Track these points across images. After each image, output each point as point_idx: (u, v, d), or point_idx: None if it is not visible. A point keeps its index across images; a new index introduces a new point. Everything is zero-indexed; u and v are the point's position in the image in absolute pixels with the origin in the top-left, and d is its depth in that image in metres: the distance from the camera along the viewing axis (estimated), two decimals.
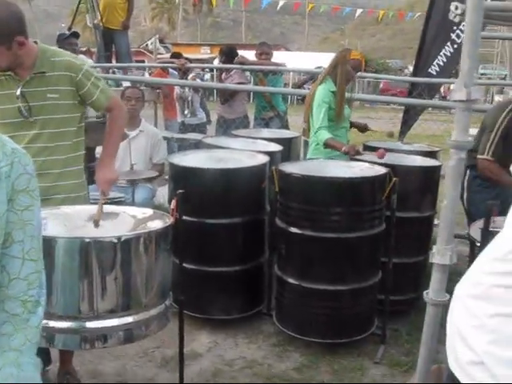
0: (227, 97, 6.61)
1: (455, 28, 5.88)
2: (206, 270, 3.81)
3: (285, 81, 17.32)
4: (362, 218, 3.41)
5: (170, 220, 2.41)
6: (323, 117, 4.20)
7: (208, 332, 3.89)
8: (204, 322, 3.94)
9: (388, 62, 35.70)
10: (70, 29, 7.45)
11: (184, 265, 3.84)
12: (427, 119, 9.09)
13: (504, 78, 25.53)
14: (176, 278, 3.87)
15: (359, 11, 23.86)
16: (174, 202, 2.47)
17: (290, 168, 3.64)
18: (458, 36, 5.86)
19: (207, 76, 23.39)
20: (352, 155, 4.15)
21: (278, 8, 21.72)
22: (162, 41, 34.90)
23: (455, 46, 5.94)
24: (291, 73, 18.80)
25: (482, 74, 24.11)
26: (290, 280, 3.62)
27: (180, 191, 2.52)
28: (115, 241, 2.17)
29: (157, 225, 2.40)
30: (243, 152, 4.15)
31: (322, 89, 4.28)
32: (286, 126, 6.59)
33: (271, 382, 3.35)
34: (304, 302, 3.61)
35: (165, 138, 6.32)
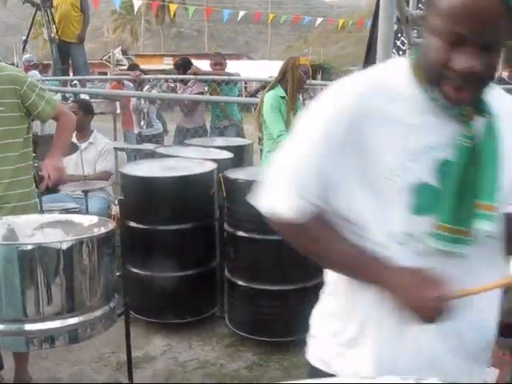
0: (190, 107, 6.75)
1: (400, 35, 6.09)
2: (159, 276, 3.93)
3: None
4: None
5: (112, 225, 2.53)
6: (277, 123, 4.31)
7: (163, 336, 4.00)
8: (159, 327, 4.05)
9: (351, 68, 36.24)
10: (25, 42, 7.51)
11: (137, 271, 3.98)
12: None
13: None
14: (127, 283, 4.02)
15: (319, 20, 24.21)
16: (115, 208, 2.58)
17: (237, 174, 3.79)
18: (403, 43, 6.07)
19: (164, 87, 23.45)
20: None
21: (239, 19, 21.91)
22: (125, 52, 34.84)
23: (400, 52, 6.17)
24: (254, 82, 19.04)
25: None
26: (240, 282, 3.76)
27: (121, 197, 2.64)
28: (58, 246, 2.28)
29: (100, 230, 2.51)
30: (193, 160, 4.28)
31: (270, 95, 4.42)
32: (241, 135, 6.74)
33: (222, 381, 3.48)
34: (254, 302, 3.75)
35: (121, 149, 6.44)
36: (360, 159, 1.27)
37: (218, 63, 6.92)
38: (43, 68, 12.77)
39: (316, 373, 1.52)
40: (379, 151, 1.26)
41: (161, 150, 5.02)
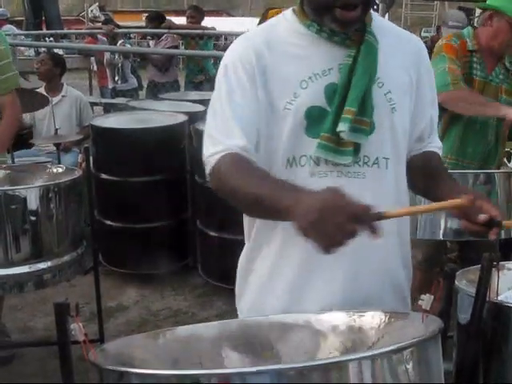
0: (163, 63, 6.68)
1: None
2: (131, 227, 3.99)
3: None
4: None
5: (78, 173, 2.56)
6: None
7: (136, 286, 4.07)
8: (133, 278, 4.12)
9: None
10: None
11: (110, 223, 4.02)
12: None
13: None
14: (100, 235, 4.07)
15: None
16: (81, 156, 2.61)
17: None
18: None
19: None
20: None
21: None
22: (102, 8, 34.06)
23: (375, 7, 6.18)
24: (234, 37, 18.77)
25: (424, 37, 24.64)
26: (212, 233, 3.83)
27: (86, 146, 2.67)
28: (24, 192, 2.31)
29: (66, 178, 2.54)
30: (164, 113, 4.29)
31: None
32: None
33: None
34: (225, 252, 3.82)
35: (96, 104, 6.39)
36: (267, 97, 1.40)
37: (192, 16, 6.84)
38: (18, 25, 12.50)
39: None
40: (279, 88, 1.40)
41: (133, 103, 5.01)
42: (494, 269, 1.29)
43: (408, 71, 1.47)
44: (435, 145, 1.60)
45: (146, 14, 7.49)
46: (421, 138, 1.56)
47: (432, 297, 1.28)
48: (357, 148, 1.40)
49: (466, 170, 2.64)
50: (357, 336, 1.35)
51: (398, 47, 1.48)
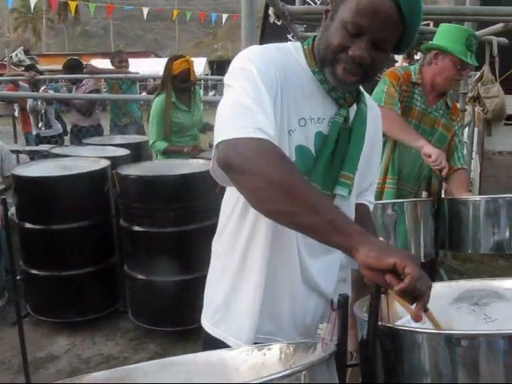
0: (89, 107, 6.68)
1: (290, 29, 6.31)
2: (58, 275, 3.94)
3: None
4: (198, 211, 3.68)
5: None
6: (156, 131, 4.42)
7: (67, 335, 4.01)
8: (63, 326, 4.06)
9: None
10: None
11: (36, 272, 3.97)
12: None
13: None
14: (28, 285, 4.01)
15: (225, 16, 24.22)
16: None
17: (129, 170, 3.85)
18: (294, 36, 6.31)
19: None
20: (195, 154, 4.43)
21: (145, 16, 21.63)
22: (27, 52, 33.59)
23: None
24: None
25: None
26: (139, 276, 3.84)
27: (3, 197, 2.66)
28: None
29: None
30: (87, 159, 4.31)
31: (156, 101, 4.48)
32: (142, 132, 6.75)
33: None
34: (154, 295, 3.84)
35: (19, 152, 6.31)
36: (281, 106, 1.45)
37: (117, 60, 6.88)
38: None
39: (207, 338, 1.66)
40: (286, 107, 1.46)
41: (56, 150, 4.99)
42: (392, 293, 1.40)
43: (370, 135, 1.62)
44: (368, 199, 1.77)
45: (74, 58, 7.42)
46: (361, 193, 1.73)
47: (329, 325, 1.36)
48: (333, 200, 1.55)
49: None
50: (264, 370, 1.42)
51: (369, 113, 1.62)
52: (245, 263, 1.56)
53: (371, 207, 1.80)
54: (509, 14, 4.09)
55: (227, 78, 1.44)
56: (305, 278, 1.58)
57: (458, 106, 3.29)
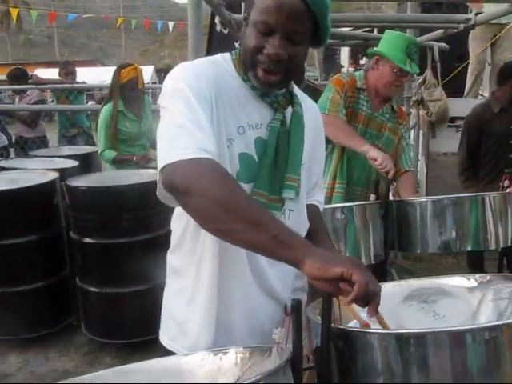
0: (34, 118, 6.55)
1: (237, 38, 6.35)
2: (8, 291, 3.85)
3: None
4: (150, 221, 3.66)
5: None
6: (104, 140, 4.40)
7: (19, 352, 3.92)
8: (15, 343, 3.97)
9: None
10: None
11: None
12: None
13: (316, 80, 27.33)
14: None
15: (172, 24, 24.12)
16: None
17: (78, 181, 3.81)
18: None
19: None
20: (145, 164, 4.41)
21: (90, 24, 21.33)
22: None
23: None
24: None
25: None
26: (92, 289, 3.79)
27: None
28: None
29: None
30: (35, 171, 4.23)
31: (104, 110, 4.45)
32: (91, 142, 6.67)
33: None
34: (107, 307, 3.79)
35: None
36: (217, 118, 1.46)
37: (64, 71, 6.78)
38: None
39: (165, 353, 1.67)
40: (222, 118, 1.48)
41: (2, 163, 4.88)
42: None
43: (310, 135, 1.65)
44: (316, 199, 1.80)
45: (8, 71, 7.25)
46: (308, 193, 1.74)
47: (283, 330, 1.39)
48: (283, 203, 1.56)
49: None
50: (220, 375, 1.43)
51: (307, 113, 1.64)
52: (198, 279, 1.57)
53: (321, 207, 1.83)
54: (447, 21, 4.24)
55: (161, 100, 1.47)
56: (263, 286, 1.60)
57: (404, 109, 3.36)
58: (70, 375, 3.63)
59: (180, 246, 1.62)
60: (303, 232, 1.66)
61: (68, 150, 5.78)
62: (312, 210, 1.75)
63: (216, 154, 1.36)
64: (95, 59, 37.93)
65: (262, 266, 1.57)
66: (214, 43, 6.53)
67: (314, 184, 1.78)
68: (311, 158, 1.69)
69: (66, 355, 3.89)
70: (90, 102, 13.95)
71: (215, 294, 1.55)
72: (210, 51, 6.63)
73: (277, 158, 1.53)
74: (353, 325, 1.64)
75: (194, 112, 1.38)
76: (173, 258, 1.68)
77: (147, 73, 25.74)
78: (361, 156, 3.01)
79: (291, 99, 1.59)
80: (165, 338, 1.70)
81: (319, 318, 1.47)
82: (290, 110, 1.60)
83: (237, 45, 7.01)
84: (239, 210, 1.26)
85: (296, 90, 1.67)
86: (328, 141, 3.05)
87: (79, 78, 7.32)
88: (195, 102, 1.40)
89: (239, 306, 1.58)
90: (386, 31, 3.20)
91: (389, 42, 3.01)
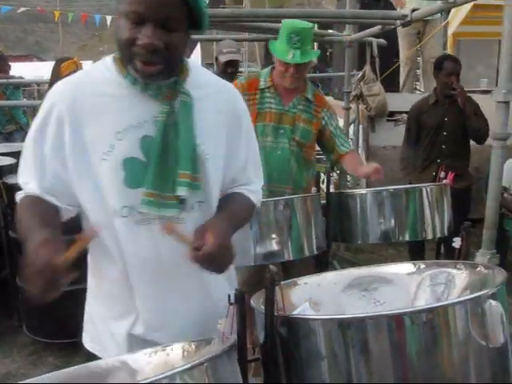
0: None
1: None
2: None
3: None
4: None
5: None
6: None
7: None
8: None
9: None
10: None
11: None
12: None
13: None
14: None
15: (110, 18, 23.62)
16: None
17: (16, 179, 3.70)
18: None
19: None
20: None
21: (23, 16, 20.69)
22: None
23: None
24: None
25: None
26: None
27: None
28: None
29: None
30: None
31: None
32: None
33: None
34: (50, 306, 3.70)
35: None
36: (77, 150, 1.45)
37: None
38: None
39: (89, 355, 1.65)
40: (93, 138, 1.45)
41: None
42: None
43: (221, 121, 1.57)
44: (247, 188, 1.69)
45: None
46: (234, 180, 1.67)
47: (228, 319, 1.41)
48: (181, 200, 1.48)
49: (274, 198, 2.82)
50: (169, 367, 1.44)
51: (212, 98, 1.56)
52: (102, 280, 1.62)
53: (252, 196, 1.70)
54: (385, 17, 4.35)
55: None
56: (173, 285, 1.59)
57: (324, 97, 3.29)
58: (13, 377, 3.55)
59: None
60: None
61: (4, 147, 5.59)
62: (236, 199, 1.66)
63: (47, 185, 1.47)
64: (31, 54, 36.88)
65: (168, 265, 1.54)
66: None
67: (238, 171, 1.66)
68: (229, 142, 1.60)
69: (8, 357, 3.79)
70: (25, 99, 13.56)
71: (132, 303, 1.58)
72: None
73: (165, 154, 1.46)
74: (296, 313, 1.68)
75: (35, 145, 1.47)
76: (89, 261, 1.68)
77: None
78: (278, 153, 3.01)
79: (176, 88, 1.49)
80: (85, 339, 1.74)
81: (263, 307, 1.50)
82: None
83: None
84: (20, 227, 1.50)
85: (205, 74, 1.62)
86: None
87: (15, 73, 7.12)
88: (39, 140, 1.47)
89: (173, 306, 1.59)
90: (283, 20, 3.11)
91: (279, 34, 2.97)
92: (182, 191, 1.46)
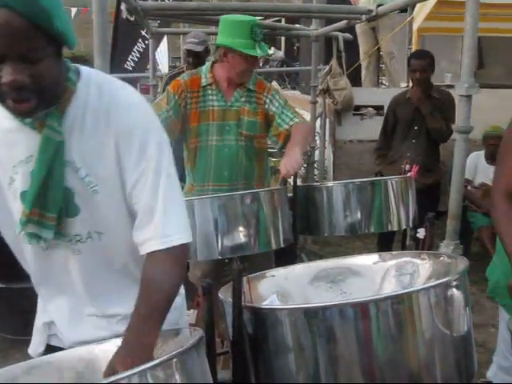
0: None
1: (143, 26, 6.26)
2: None
3: None
4: None
5: None
6: None
7: None
8: None
9: None
10: None
11: None
12: None
13: None
14: None
15: (74, 10, 23.18)
16: None
17: None
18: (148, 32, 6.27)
19: None
20: None
21: None
22: None
23: (146, 42, 6.35)
24: None
25: None
26: None
27: None
28: None
29: None
30: None
31: None
32: None
33: None
34: (14, 303, 3.66)
35: None
36: None
37: None
38: None
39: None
40: (1, 168, 1.44)
41: None
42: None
43: (109, 144, 1.41)
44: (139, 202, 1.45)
45: None
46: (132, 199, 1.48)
47: (196, 311, 1.42)
48: (64, 228, 1.44)
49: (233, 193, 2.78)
50: None
51: (97, 119, 1.40)
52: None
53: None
54: (351, 11, 4.39)
55: None
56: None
57: (266, 83, 3.24)
58: None
59: None
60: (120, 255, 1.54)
61: None
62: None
63: None
64: None
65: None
66: (120, 30, 6.38)
67: (131, 188, 1.44)
68: (123, 167, 1.42)
69: None
70: None
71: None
72: (117, 39, 6.50)
73: (40, 192, 1.39)
74: (264, 305, 1.69)
75: None
76: None
77: None
78: (225, 150, 3.00)
79: (44, 120, 1.37)
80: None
81: (231, 299, 1.51)
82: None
83: (143, 33, 6.91)
84: None
85: (100, 88, 1.42)
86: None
87: None
88: None
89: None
90: (222, 18, 3.02)
91: (231, 31, 2.90)
92: (46, 234, 1.42)
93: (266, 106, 3.06)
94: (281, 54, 11.63)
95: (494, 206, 1.95)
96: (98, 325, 1.57)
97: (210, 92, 3.01)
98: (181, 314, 1.58)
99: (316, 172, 6.12)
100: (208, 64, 3.09)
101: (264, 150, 3.20)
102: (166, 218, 1.41)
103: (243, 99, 3.05)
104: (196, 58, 4.38)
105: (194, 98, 2.99)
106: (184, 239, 1.41)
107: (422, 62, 4.34)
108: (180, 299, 1.57)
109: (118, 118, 1.40)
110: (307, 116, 5.35)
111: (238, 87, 3.04)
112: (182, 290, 1.61)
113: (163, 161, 1.44)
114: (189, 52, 4.40)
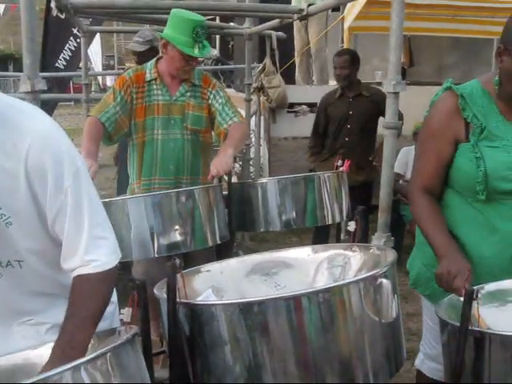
0: None
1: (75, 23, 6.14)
2: None
3: None
4: None
5: None
6: None
7: None
8: None
9: None
10: None
11: None
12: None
13: None
14: None
15: (3, 6, 22.45)
16: None
17: None
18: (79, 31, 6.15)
19: None
20: None
21: None
22: None
23: (78, 40, 6.23)
24: None
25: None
26: None
27: None
28: None
29: None
30: None
31: None
32: None
33: None
34: None
35: None
36: None
37: None
38: None
39: None
40: None
41: None
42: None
43: (20, 183, 1.35)
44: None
45: None
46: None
47: (131, 309, 1.42)
48: None
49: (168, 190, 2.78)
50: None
51: (7, 158, 1.33)
52: None
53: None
54: (283, 11, 4.44)
55: None
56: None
57: (210, 78, 3.27)
58: None
59: None
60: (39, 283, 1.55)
61: None
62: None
63: None
64: None
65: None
66: (51, 29, 6.25)
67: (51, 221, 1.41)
68: (40, 204, 1.38)
69: None
70: None
71: None
72: (47, 37, 6.35)
73: None
74: (199, 300, 1.71)
75: None
76: None
77: None
78: (171, 144, 3.02)
79: None
80: None
81: (165, 295, 1.52)
82: None
83: (75, 31, 6.77)
84: None
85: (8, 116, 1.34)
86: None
87: None
88: None
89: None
90: (173, 10, 3.03)
91: (175, 25, 2.91)
92: None
93: (210, 102, 3.10)
94: (215, 52, 11.62)
95: (413, 202, 2.03)
96: (27, 335, 1.56)
97: (154, 87, 3.02)
98: (112, 322, 1.59)
99: (252, 169, 6.17)
100: (153, 60, 3.09)
101: (210, 145, 3.22)
102: (91, 247, 1.38)
103: (188, 94, 3.07)
104: (140, 57, 4.34)
105: (140, 93, 2.99)
106: (110, 264, 1.41)
107: (341, 59, 4.48)
108: (112, 308, 1.58)
109: (27, 154, 1.32)
110: (242, 114, 5.38)
111: (183, 82, 3.05)
112: (115, 297, 1.64)
113: (82, 188, 1.39)
114: (133, 52, 4.39)
